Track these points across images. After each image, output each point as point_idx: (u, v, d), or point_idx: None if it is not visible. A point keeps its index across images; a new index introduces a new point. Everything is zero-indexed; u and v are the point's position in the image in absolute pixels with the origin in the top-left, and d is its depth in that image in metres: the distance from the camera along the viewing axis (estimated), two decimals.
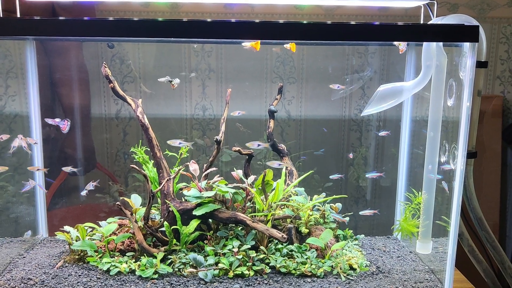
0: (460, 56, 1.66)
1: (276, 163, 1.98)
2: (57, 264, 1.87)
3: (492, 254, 2.00)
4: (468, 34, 1.56)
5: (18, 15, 1.84)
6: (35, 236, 2.18)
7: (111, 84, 1.89)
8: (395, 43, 1.72)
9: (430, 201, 1.95)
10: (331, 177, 2.16)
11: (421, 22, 1.90)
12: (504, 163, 2.97)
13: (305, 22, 1.57)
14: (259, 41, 1.60)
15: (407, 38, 1.66)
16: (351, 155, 2.68)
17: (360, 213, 2.10)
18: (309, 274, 1.78)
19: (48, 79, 2.40)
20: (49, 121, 1.88)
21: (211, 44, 2.66)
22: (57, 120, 1.86)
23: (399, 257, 2.00)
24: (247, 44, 1.64)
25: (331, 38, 1.61)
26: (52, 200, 2.44)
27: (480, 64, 1.68)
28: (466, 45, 1.60)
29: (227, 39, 1.64)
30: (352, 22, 1.56)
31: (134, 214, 1.91)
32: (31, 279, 1.76)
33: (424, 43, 1.82)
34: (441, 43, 1.78)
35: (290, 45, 1.74)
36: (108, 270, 1.78)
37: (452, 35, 1.58)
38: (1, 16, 1.73)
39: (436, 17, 1.82)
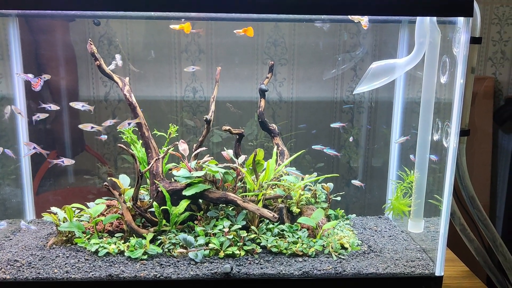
0: (454, 32, 1.64)
1: (126, 123, 1.84)
2: (47, 243, 1.85)
3: (483, 232, 2.00)
4: (462, 8, 1.53)
5: None
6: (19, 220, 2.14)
7: (97, 62, 1.84)
8: (354, 18, 1.64)
9: (422, 180, 1.93)
10: (313, 147, 2.12)
11: None
12: (495, 145, 2.97)
13: None
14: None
15: (400, 13, 1.63)
16: (351, 139, 2.64)
17: (352, 181, 2.08)
18: (300, 253, 1.77)
19: (34, 59, 2.34)
20: (22, 75, 1.81)
21: (202, 24, 2.60)
22: (30, 76, 1.78)
23: (390, 236, 1.99)
24: (176, 26, 1.63)
25: (322, 12, 1.57)
26: (40, 183, 2.40)
27: (474, 40, 1.66)
28: (460, 20, 1.57)
29: (214, 13, 1.60)
30: None
31: (122, 194, 1.88)
32: (18, 261, 1.73)
33: (418, 19, 1.79)
34: (435, 19, 1.75)
35: (243, 30, 1.71)
36: (96, 251, 1.76)
37: (446, 10, 1.56)
38: None
39: None
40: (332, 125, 2.24)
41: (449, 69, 1.74)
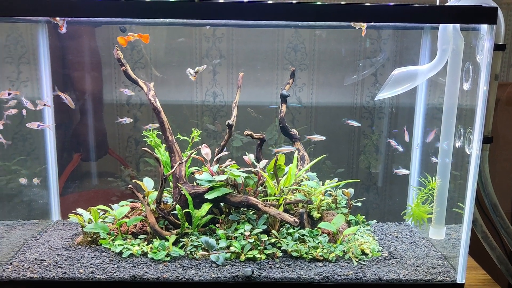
0: (477, 39, 1.63)
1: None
2: (76, 240, 1.92)
3: (506, 240, 1.97)
4: (486, 15, 1.53)
5: None
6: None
7: (123, 67, 1.89)
8: (357, 24, 1.67)
9: (444, 187, 1.92)
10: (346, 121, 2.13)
11: (437, 3, 1.86)
12: None
13: (319, 3, 1.54)
14: None
15: (424, 20, 1.64)
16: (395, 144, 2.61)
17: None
18: (321, 258, 1.78)
19: (61, 63, 2.40)
20: (51, 20, 1.79)
21: (223, 30, 2.64)
22: (58, 18, 1.79)
23: (411, 243, 1.98)
24: (134, 35, 1.65)
25: (345, 20, 1.59)
26: (65, 184, 2.46)
27: (497, 47, 1.65)
28: (484, 27, 1.57)
29: (239, 20, 1.63)
30: (367, 3, 1.54)
31: (146, 197, 1.91)
32: (45, 260, 1.77)
33: (440, 26, 1.79)
34: (458, 26, 1.75)
35: (138, 35, 1.73)
36: (120, 253, 1.79)
37: (469, 17, 1.55)
38: None
39: None
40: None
41: (472, 76, 1.73)
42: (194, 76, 1.82)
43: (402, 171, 2.06)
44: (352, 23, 1.65)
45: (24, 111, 2.01)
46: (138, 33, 1.76)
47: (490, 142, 1.77)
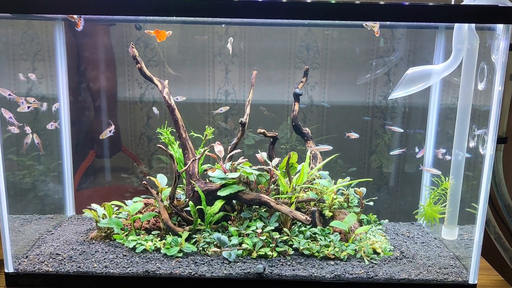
0: (492, 38, 1.62)
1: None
2: (90, 235, 1.94)
3: None
4: (502, 15, 1.52)
5: None
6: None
7: (138, 65, 1.90)
8: (369, 24, 1.67)
9: (457, 187, 1.92)
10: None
11: (453, 3, 1.85)
12: None
13: (333, 2, 1.55)
14: None
15: (439, 20, 1.63)
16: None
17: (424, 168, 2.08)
18: (332, 257, 1.78)
19: (76, 60, 2.43)
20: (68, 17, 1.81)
21: (235, 28, 2.65)
22: (75, 16, 1.81)
23: (423, 242, 1.98)
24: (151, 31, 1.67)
25: (359, 19, 1.59)
26: (80, 180, 2.49)
27: None
28: (500, 27, 1.56)
29: (254, 19, 1.64)
30: (381, 2, 1.54)
31: (160, 193, 1.93)
32: (60, 254, 1.80)
33: (456, 26, 1.78)
34: (473, 26, 1.74)
35: (155, 32, 1.74)
36: (134, 248, 1.82)
37: (485, 17, 1.54)
38: None
39: None
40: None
41: (487, 75, 1.72)
42: (231, 51, 1.97)
43: (433, 170, 2.04)
44: (364, 24, 1.65)
45: (43, 106, 2.04)
46: (155, 29, 1.78)
47: (504, 143, 1.77)
